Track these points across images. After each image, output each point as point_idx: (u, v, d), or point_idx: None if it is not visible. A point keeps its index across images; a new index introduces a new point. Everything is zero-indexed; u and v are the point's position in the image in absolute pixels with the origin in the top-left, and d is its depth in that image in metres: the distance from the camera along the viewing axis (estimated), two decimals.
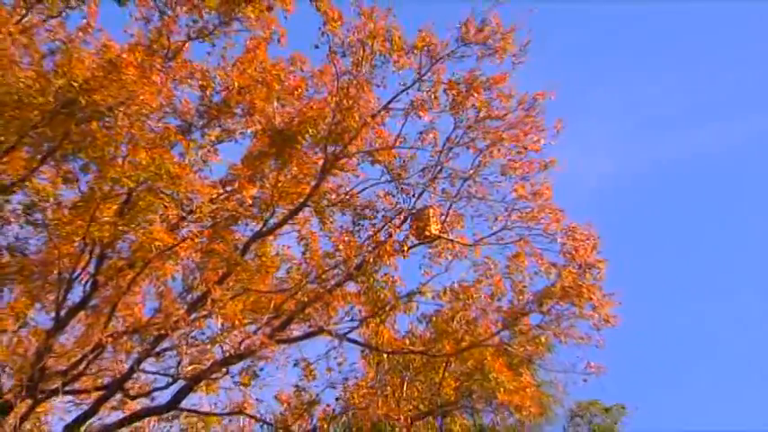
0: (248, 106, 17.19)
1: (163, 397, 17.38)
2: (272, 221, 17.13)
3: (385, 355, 19.15)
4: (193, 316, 16.33)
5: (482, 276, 17.51)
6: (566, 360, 17.34)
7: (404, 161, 17.45)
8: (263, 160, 16.87)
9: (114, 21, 16.98)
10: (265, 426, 18.77)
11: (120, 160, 15.00)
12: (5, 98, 14.56)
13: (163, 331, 15.99)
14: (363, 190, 17.65)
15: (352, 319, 17.55)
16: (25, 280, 16.14)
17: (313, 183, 16.97)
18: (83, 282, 16.35)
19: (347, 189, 17.68)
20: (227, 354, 16.44)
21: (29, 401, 15.99)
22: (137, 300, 17.02)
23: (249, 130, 17.53)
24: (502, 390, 18.30)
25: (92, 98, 14.54)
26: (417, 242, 17.35)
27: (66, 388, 16.37)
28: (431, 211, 17.29)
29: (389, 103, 17.12)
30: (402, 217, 17.32)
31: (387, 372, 19.97)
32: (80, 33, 16.53)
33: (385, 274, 17.40)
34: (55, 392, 16.18)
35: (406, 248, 17.19)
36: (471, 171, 17.14)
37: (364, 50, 16.68)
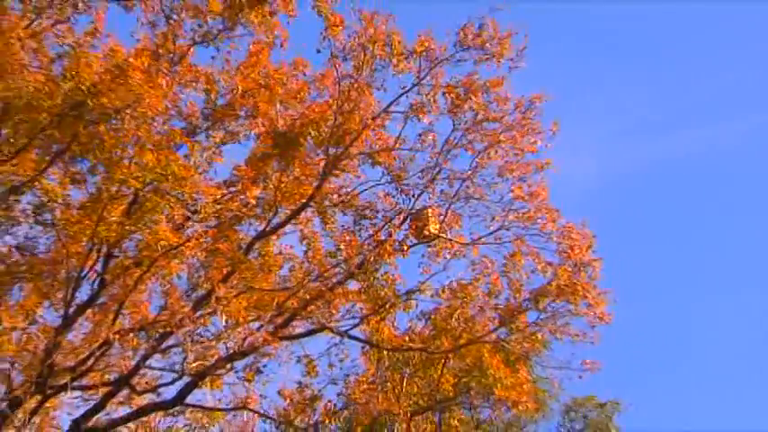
0: (252, 109, 17.20)
1: (169, 392, 17.39)
2: (275, 221, 17.13)
3: (385, 352, 19.18)
4: (198, 313, 16.31)
5: (480, 275, 17.51)
6: (561, 356, 17.35)
7: (403, 162, 17.46)
8: (267, 162, 16.87)
9: (121, 26, 17.04)
10: (269, 421, 18.80)
11: (126, 162, 15.00)
12: (15, 101, 14.57)
13: (168, 328, 15.98)
14: (364, 191, 17.67)
15: (353, 317, 17.59)
16: (34, 278, 16.14)
17: (315, 184, 16.96)
18: (90, 280, 16.37)
19: (348, 190, 17.68)
20: (232, 350, 16.42)
21: (38, 397, 15.99)
22: (143, 298, 17.01)
23: (253, 133, 17.54)
24: (499, 386, 18.35)
25: (99, 101, 14.55)
26: (417, 241, 17.36)
27: (75, 384, 16.35)
28: (430, 211, 17.29)
29: (389, 106, 17.15)
30: (402, 217, 17.31)
31: (387, 368, 20.00)
32: (88, 38, 16.55)
33: (385, 273, 17.44)
34: (63, 388, 16.15)
35: (405, 248, 17.20)
36: (469, 172, 17.14)
37: (365, 55, 16.69)
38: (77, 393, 17.10)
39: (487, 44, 16.68)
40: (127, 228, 15.43)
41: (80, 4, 16.81)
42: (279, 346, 16.86)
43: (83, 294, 16.35)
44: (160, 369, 17.44)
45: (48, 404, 17.05)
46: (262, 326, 16.75)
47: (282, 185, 16.75)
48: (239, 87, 17.03)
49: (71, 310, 16.06)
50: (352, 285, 17.38)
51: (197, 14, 16.87)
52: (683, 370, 39.43)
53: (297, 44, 17.73)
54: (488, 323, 17.49)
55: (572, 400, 27.15)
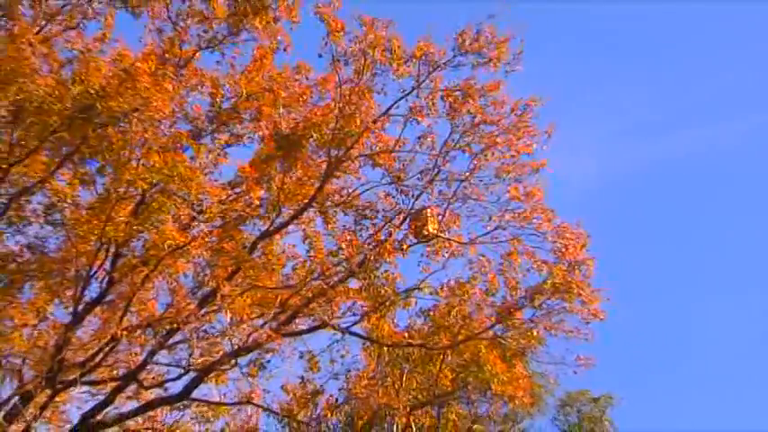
0: (256, 112, 17.20)
1: (175, 387, 17.39)
2: (278, 221, 17.12)
3: (385, 348, 19.20)
4: (204, 311, 16.32)
5: (477, 273, 17.52)
6: (556, 352, 17.35)
7: (403, 164, 17.45)
8: (270, 163, 16.86)
9: (129, 31, 17.02)
10: (272, 415, 18.81)
11: (134, 163, 14.99)
12: (27, 104, 14.56)
13: (175, 325, 15.99)
14: (365, 191, 17.67)
15: (354, 314, 17.58)
16: (45, 277, 16.13)
17: (317, 185, 16.96)
18: (99, 278, 16.35)
19: (349, 190, 17.68)
20: (236, 346, 16.43)
21: (48, 392, 15.98)
22: (150, 295, 17.01)
23: (257, 135, 17.55)
24: (496, 381, 18.35)
25: (108, 104, 14.56)
26: (416, 241, 17.36)
27: (84, 379, 16.34)
28: (429, 211, 17.28)
29: (389, 109, 17.15)
30: (401, 217, 17.31)
31: (387, 364, 20.02)
32: (97, 43, 16.60)
33: (385, 272, 17.45)
34: (73, 383, 16.15)
35: (405, 247, 17.21)
36: (467, 173, 17.13)
37: (365, 59, 16.69)
38: (86, 388, 17.11)
39: (485, 49, 16.68)
40: (134, 227, 15.43)
41: (89, 11, 16.86)
42: (282, 343, 16.84)
43: (92, 292, 16.37)
44: (167, 365, 17.46)
45: (58, 399, 17.05)
46: (265, 323, 16.75)
47: (285, 186, 16.75)
48: (244, 91, 17.04)
49: (80, 307, 16.04)
50: (353, 283, 17.38)
51: (203, 20, 16.89)
52: (680, 368, 39.52)
53: (299, 49, 17.75)
54: (486, 320, 17.48)
55: (566, 394, 27.20)
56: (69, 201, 16.26)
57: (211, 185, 16.13)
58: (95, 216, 15.45)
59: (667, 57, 49.38)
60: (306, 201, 17.01)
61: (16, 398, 15.54)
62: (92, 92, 14.62)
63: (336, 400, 19.47)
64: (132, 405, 17.56)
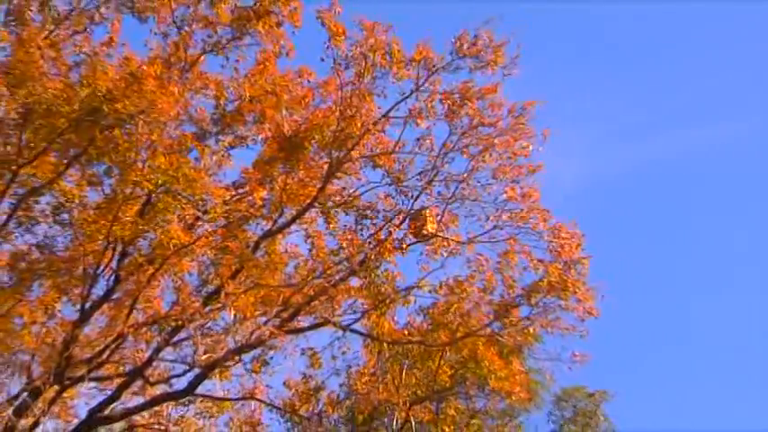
0: (259, 115, 17.21)
1: (180, 383, 17.40)
2: (280, 221, 17.13)
3: (385, 345, 19.19)
4: (208, 308, 16.33)
5: (475, 272, 17.49)
6: (552, 349, 17.35)
7: (403, 165, 17.44)
8: (273, 165, 16.87)
9: (135, 36, 17.04)
10: (275, 410, 18.81)
11: (140, 164, 15.02)
12: (36, 107, 14.59)
13: (180, 322, 16.02)
14: (365, 192, 17.65)
15: (354, 312, 17.58)
16: (53, 275, 16.13)
17: (319, 185, 16.96)
18: (106, 277, 16.39)
19: (350, 191, 17.68)
20: (240, 343, 16.43)
21: (56, 387, 16.00)
22: (156, 293, 17.02)
23: (260, 137, 17.57)
24: (493, 377, 18.37)
25: (114, 107, 14.58)
26: (415, 240, 17.35)
27: (91, 375, 16.40)
28: (428, 211, 17.28)
29: (389, 111, 17.11)
30: (401, 217, 17.31)
31: (387, 360, 20.02)
32: (104, 47, 16.63)
33: (385, 270, 17.46)
34: (80, 379, 16.19)
35: (404, 246, 17.21)
36: (465, 175, 17.11)
37: (366, 63, 16.67)
38: (94, 384, 17.16)
39: (482, 53, 16.67)
40: (140, 227, 15.44)
41: (96, 16, 16.89)
42: (284, 340, 16.86)
43: (99, 290, 16.40)
44: (172, 361, 17.45)
45: (66, 394, 17.07)
46: (268, 320, 16.76)
47: (288, 187, 16.76)
48: (247, 94, 17.05)
49: (88, 305, 16.07)
50: (354, 282, 17.38)
51: (207, 25, 16.91)
52: (672, 363, 39.50)
53: (302, 53, 17.77)
54: (483, 318, 17.48)
55: (562, 390, 27.15)
56: (77, 201, 16.29)
57: (216, 186, 16.15)
58: (102, 216, 15.48)
59: (653, 59, 49.50)
60: (308, 201, 17.01)
61: (25, 393, 15.54)
62: (99, 95, 14.64)
63: (338, 395, 19.53)
64: (138, 400, 17.59)
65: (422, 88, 16.89)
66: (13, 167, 15.24)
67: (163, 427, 18.49)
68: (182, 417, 18.73)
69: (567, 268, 16.60)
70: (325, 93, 17.33)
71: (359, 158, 17.37)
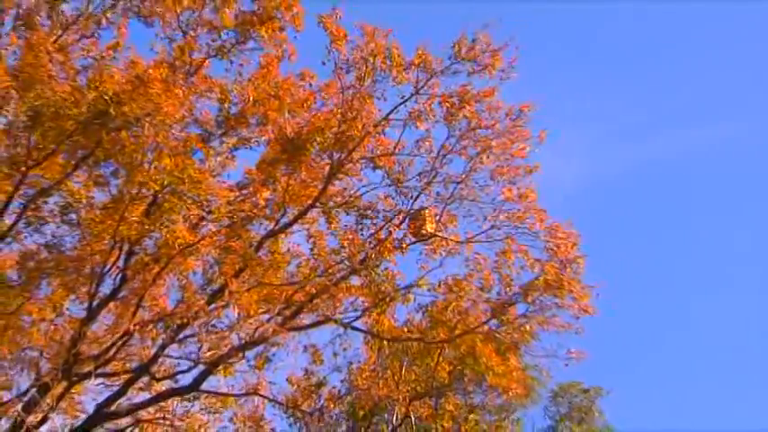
0: (262, 117, 17.21)
1: (185, 379, 17.46)
2: (283, 221, 17.16)
3: (385, 342, 19.23)
4: (212, 306, 16.37)
5: (473, 271, 17.51)
6: (549, 346, 17.38)
7: (402, 166, 17.46)
8: (276, 166, 16.90)
9: (141, 40, 17.08)
10: (277, 405, 18.85)
11: (146, 166, 15.03)
12: (44, 110, 14.61)
13: (185, 320, 16.04)
14: (366, 192, 17.66)
15: (355, 310, 17.62)
16: (61, 274, 16.16)
17: (320, 186, 17.00)
18: (113, 275, 16.40)
19: (351, 192, 17.69)
20: (243, 340, 16.48)
21: (64, 383, 16.04)
22: (161, 292, 17.04)
23: (263, 139, 17.58)
24: (491, 373, 18.37)
25: (121, 109, 14.60)
26: (414, 240, 17.39)
27: (98, 371, 16.40)
28: (427, 211, 17.31)
29: (389, 114, 17.13)
30: (401, 217, 17.34)
31: (387, 357, 20.07)
32: (111, 51, 16.70)
33: (385, 269, 17.46)
34: (88, 375, 16.22)
35: (404, 246, 17.24)
36: (463, 176, 17.14)
37: (367, 67, 16.71)
38: (101, 380, 17.18)
39: (480, 57, 16.71)
40: (146, 227, 15.48)
41: (103, 20, 16.93)
42: (287, 337, 16.92)
43: (106, 288, 16.42)
44: (177, 358, 17.51)
45: (73, 390, 17.10)
46: (271, 318, 16.81)
47: (290, 188, 16.78)
48: (251, 97, 17.05)
49: (95, 303, 16.11)
50: (355, 280, 17.40)
51: (211, 29, 16.94)
52: (666, 361, 39.59)
53: (303, 57, 17.78)
54: (481, 315, 17.51)
55: (558, 386, 27.25)
56: (84, 201, 16.30)
57: (220, 187, 16.17)
58: (109, 216, 15.51)
59: (653, 59, 49.52)
60: (310, 201, 17.05)
61: (34, 389, 15.59)
62: (106, 98, 14.66)
63: (339, 391, 19.54)
64: (144, 396, 17.67)
65: (421, 91, 16.93)
66: (23, 169, 15.28)
67: (168, 423, 18.52)
68: (187, 412, 18.75)
69: (563, 267, 16.62)
70: (327, 96, 17.36)
71: (359, 160, 17.39)
